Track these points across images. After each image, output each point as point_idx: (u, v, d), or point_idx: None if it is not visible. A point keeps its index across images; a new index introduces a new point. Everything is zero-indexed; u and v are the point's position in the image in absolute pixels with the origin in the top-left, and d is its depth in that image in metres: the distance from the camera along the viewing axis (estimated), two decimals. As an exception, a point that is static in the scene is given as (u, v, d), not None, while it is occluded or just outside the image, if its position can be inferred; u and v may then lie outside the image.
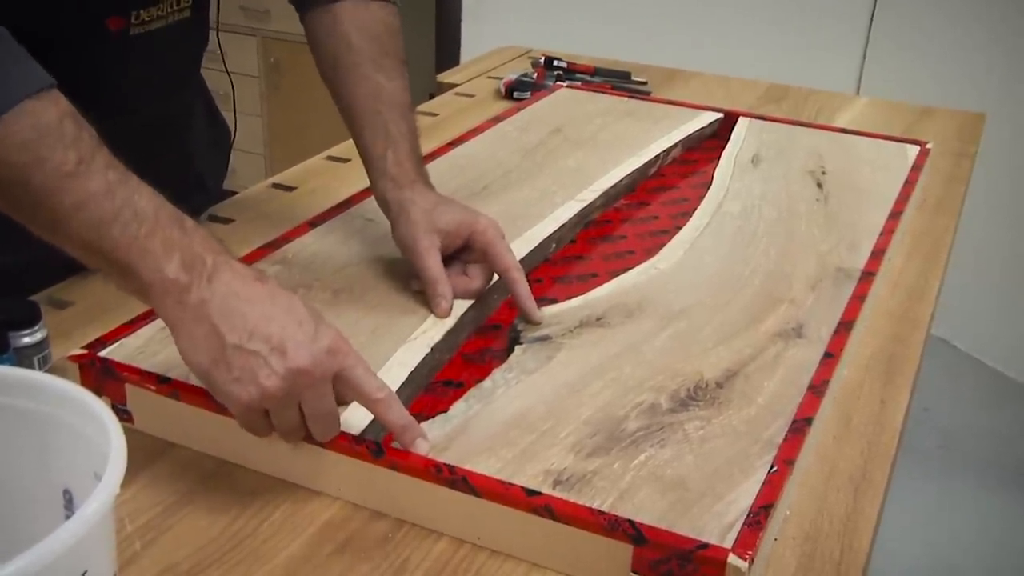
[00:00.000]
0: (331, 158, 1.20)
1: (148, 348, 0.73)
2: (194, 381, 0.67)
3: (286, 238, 0.90)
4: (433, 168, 0.90)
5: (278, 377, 0.59)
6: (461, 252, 0.83)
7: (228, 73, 1.20)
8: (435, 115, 1.37)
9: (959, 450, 2.16)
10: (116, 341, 0.73)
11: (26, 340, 0.71)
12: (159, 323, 0.73)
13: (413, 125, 0.87)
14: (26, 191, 0.59)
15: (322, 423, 0.62)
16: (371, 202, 0.97)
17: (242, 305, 0.60)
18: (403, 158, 0.84)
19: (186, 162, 1.01)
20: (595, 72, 1.53)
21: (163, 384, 0.68)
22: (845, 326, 0.81)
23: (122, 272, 0.61)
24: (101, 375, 0.70)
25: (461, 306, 0.81)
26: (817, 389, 0.73)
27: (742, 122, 1.28)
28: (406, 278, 0.84)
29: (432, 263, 0.80)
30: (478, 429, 0.67)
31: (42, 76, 0.61)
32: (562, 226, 0.96)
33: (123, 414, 0.69)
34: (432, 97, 1.51)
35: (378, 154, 0.85)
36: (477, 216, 0.83)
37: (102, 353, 0.72)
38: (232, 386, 0.59)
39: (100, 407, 0.47)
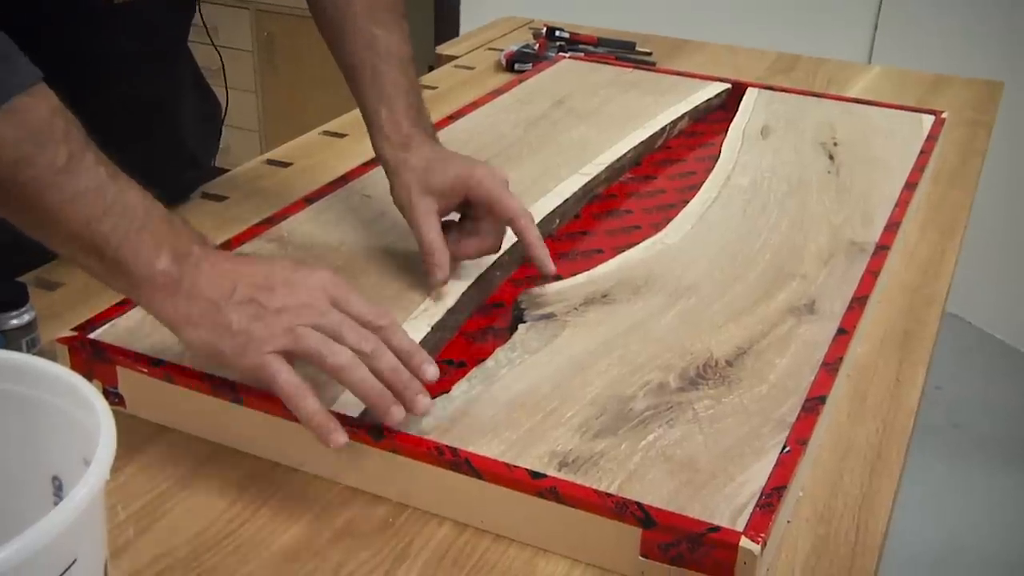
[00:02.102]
0: (327, 133, 1.18)
1: (140, 329, 0.71)
2: (188, 363, 0.66)
3: (281, 215, 0.89)
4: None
5: (277, 303, 0.60)
6: (468, 208, 0.79)
7: (216, 47, 1.17)
8: (435, 88, 1.35)
9: (971, 428, 2.15)
10: (107, 322, 0.71)
11: (14, 322, 0.69)
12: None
13: (412, 77, 0.83)
14: (16, 187, 0.58)
15: (351, 332, 0.61)
16: (368, 177, 0.95)
17: (229, 274, 0.61)
18: (398, 114, 0.81)
19: (176, 137, 0.99)
20: (598, 43, 1.50)
21: (156, 366, 0.66)
22: (859, 301, 0.79)
23: (112, 268, 0.61)
24: (91, 357, 0.68)
25: (462, 283, 0.79)
26: (830, 367, 0.71)
27: (751, 93, 1.25)
28: (405, 255, 0.82)
29: (427, 229, 0.76)
30: (481, 410, 0.65)
31: (31, 71, 0.60)
32: (566, 201, 0.94)
33: (114, 397, 0.68)
34: (431, 69, 1.49)
35: (372, 110, 0.82)
36: (472, 167, 0.77)
37: (92, 335, 0.70)
38: (240, 338, 0.59)
39: (90, 390, 0.46)
